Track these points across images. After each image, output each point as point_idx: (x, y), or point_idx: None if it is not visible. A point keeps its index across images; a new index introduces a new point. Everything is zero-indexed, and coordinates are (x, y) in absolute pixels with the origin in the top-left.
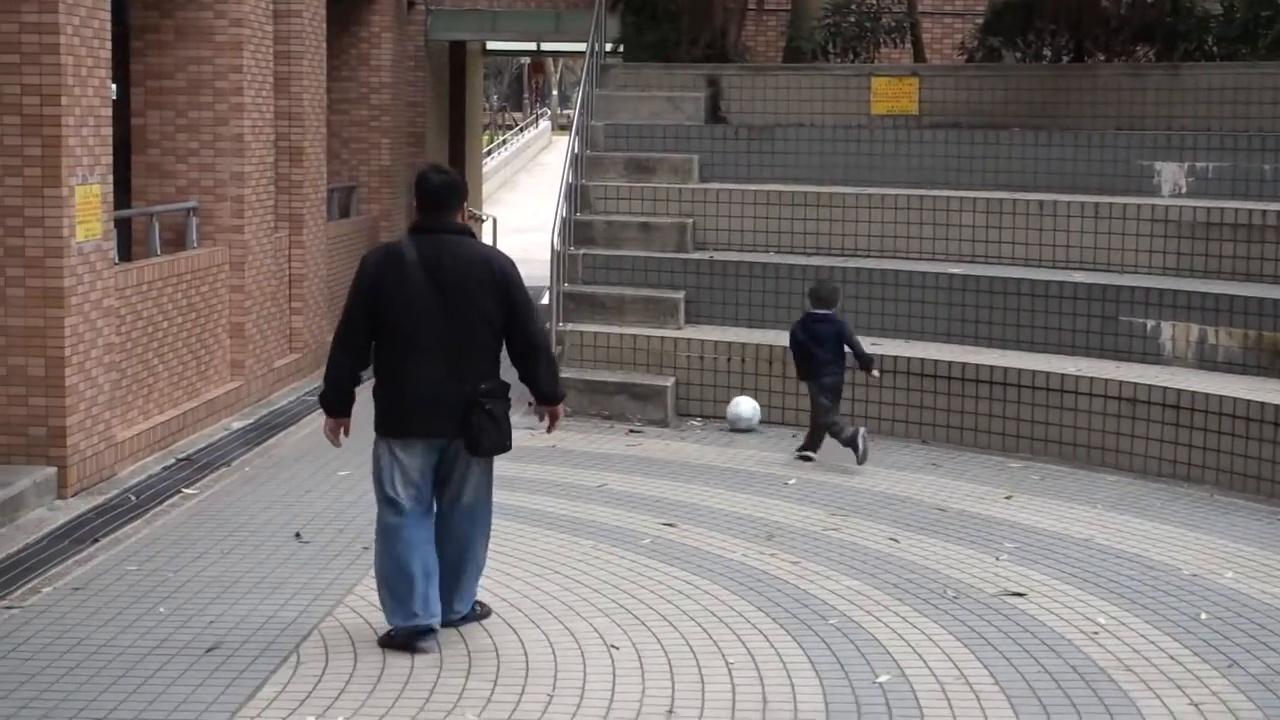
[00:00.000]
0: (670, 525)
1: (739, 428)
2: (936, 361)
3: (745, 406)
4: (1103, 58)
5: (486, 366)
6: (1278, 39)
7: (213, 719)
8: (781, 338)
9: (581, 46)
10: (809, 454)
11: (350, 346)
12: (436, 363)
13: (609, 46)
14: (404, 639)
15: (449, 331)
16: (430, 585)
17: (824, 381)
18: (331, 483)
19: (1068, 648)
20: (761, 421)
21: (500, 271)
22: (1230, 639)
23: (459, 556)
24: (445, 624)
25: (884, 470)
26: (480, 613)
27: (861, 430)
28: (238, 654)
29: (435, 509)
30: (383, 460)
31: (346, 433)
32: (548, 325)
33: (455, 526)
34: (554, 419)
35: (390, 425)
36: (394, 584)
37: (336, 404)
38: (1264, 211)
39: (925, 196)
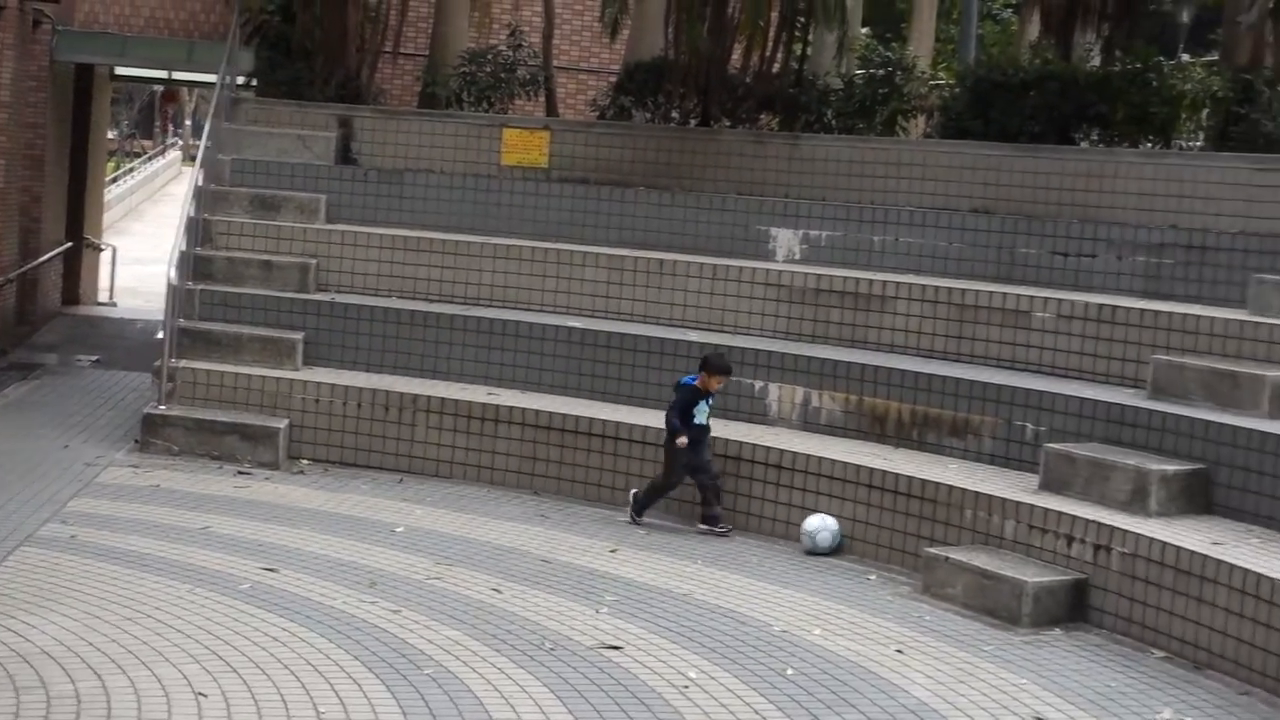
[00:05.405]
0: (272, 570)
1: (819, 550)
2: (551, 413)
3: (817, 523)
4: (728, 123)
5: None
6: (893, 116)
7: None
8: (399, 383)
9: (214, 78)
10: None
11: None
12: None
13: (242, 80)
14: None
15: None
16: None
17: None
18: None
19: (657, 701)
20: (399, 479)
21: None
22: (814, 695)
23: None
24: None
25: (492, 520)
26: None
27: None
28: None
29: None
30: None
31: None
32: (159, 362)
33: None
34: None
35: None
36: None
37: None
38: (870, 281)
39: (550, 249)
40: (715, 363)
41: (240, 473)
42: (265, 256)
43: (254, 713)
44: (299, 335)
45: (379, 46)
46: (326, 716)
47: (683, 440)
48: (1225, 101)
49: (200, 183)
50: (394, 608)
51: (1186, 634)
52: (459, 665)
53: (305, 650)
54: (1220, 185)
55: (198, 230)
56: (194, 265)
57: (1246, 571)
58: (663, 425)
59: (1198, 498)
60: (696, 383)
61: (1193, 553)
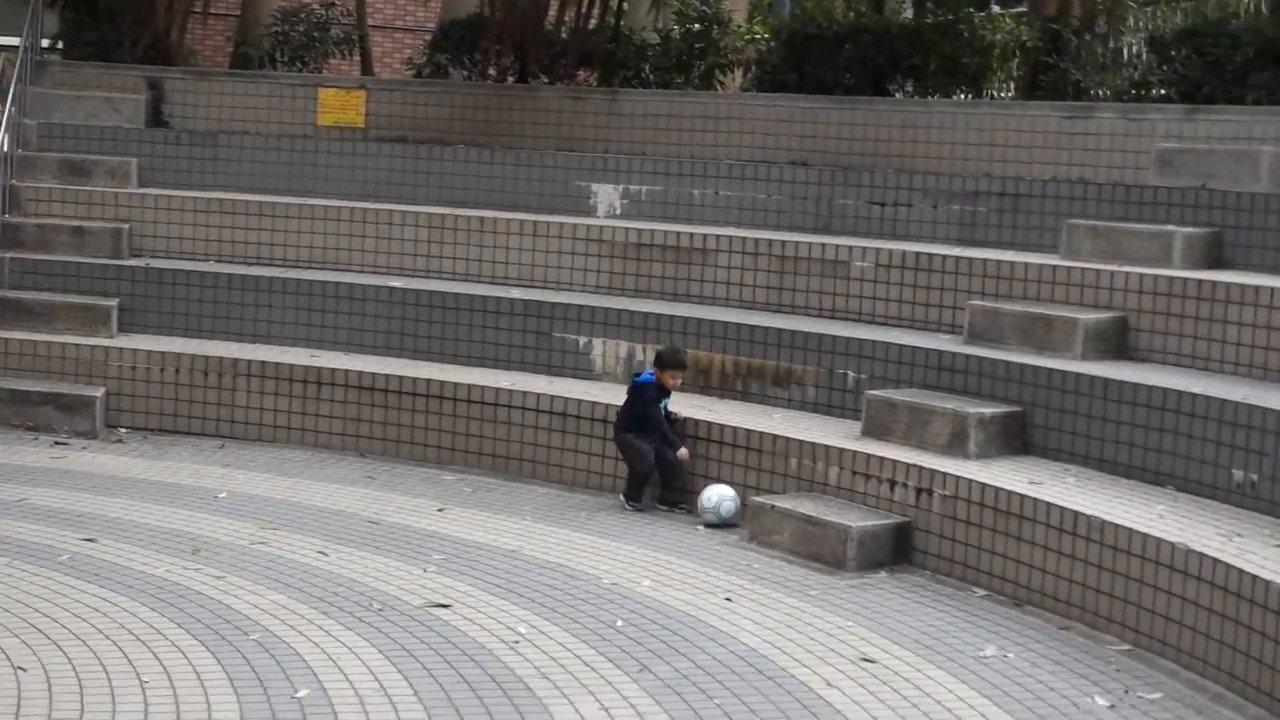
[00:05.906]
0: (91, 540)
1: (717, 519)
2: (375, 374)
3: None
4: (546, 80)
5: None
6: (710, 70)
7: None
8: (219, 348)
9: (18, 40)
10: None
11: None
12: None
13: (48, 43)
14: None
15: None
16: None
17: None
18: None
19: (488, 657)
20: (221, 445)
21: None
22: (644, 645)
23: None
24: None
25: (318, 483)
26: None
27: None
28: None
29: None
30: None
31: None
32: None
33: None
34: None
35: None
36: None
37: None
38: (691, 234)
39: (368, 209)
40: (670, 358)
41: (57, 443)
42: (76, 222)
43: (75, 685)
44: (113, 302)
45: (188, 6)
46: (150, 685)
47: (684, 452)
48: (1034, 51)
49: (6, 148)
50: (218, 574)
51: (1007, 572)
52: (286, 630)
53: (127, 620)
54: (1031, 134)
55: (5, 197)
56: (2, 233)
57: (1064, 509)
58: (485, 383)
59: (1015, 439)
60: (654, 379)
61: (1011, 493)
